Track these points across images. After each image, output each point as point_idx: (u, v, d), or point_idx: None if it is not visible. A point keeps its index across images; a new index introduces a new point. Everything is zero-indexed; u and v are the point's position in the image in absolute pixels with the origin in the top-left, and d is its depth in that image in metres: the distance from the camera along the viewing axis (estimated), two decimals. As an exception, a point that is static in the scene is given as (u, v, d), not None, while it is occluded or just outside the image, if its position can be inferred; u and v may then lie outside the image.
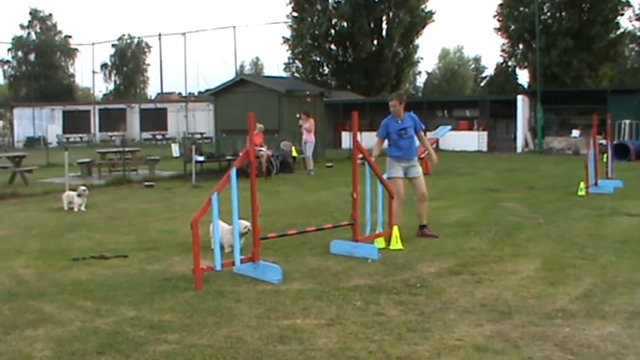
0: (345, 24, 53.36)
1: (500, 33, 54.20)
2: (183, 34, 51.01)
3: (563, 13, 49.85)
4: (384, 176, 9.19)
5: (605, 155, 16.82)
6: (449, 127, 24.20)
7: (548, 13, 50.69)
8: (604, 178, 15.74)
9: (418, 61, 63.08)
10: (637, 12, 50.94)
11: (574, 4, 48.94)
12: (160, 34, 53.47)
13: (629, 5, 50.98)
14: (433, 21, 56.91)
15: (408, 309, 5.87)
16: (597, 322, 5.38)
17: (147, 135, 47.60)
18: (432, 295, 6.32)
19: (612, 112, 26.98)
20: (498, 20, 53.45)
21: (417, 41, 57.66)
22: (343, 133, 36.80)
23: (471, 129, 36.66)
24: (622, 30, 52.49)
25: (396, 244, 8.60)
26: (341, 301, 6.15)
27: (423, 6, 55.87)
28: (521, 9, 50.82)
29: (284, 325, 5.48)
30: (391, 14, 54.20)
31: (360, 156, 8.38)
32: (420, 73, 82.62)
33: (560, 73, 47.94)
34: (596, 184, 14.88)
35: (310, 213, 12.03)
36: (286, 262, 7.70)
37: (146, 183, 17.44)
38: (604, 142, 18.26)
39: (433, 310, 5.84)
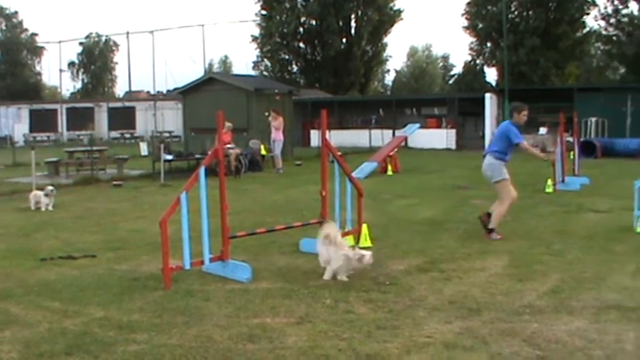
0: (314, 22, 53.40)
1: (468, 31, 54.58)
2: (152, 32, 50.75)
3: (530, 12, 50.30)
4: (499, 178, 9.26)
5: (571, 153, 17.02)
6: (417, 125, 24.24)
7: (516, 12, 51.14)
8: (571, 175, 15.93)
9: (387, 60, 63.40)
10: (602, 11, 51.55)
11: (541, 3, 49.42)
12: (127, 33, 53.04)
13: (595, 5, 51.59)
14: (402, 19, 57.25)
15: (377, 307, 5.89)
16: (565, 318, 5.44)
17: (115, 134, 47.16)
18: (401, 292, 6.34)
19: (579, 110, 27.26)
20: (466, 19, 53.80)
21: (386, 39, 58.04)
22: (312, 132, 36.79)
23: (439, 127, 36.85)
24: (588, 29, 53.13)
25: (365, 242, 8.61)
26: (310, 300, 6.14)
27: (392, 4, 56.14)
28: (489, 8, 51.20)
29: (253, 323, 5.46)
30: (360, 12, 54.37)
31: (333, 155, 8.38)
32: (388, 71, 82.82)
33: (528, 72, 48.42)
34: (563, 181, 15.06)
35: (279, 211, 12.00)
36: (255, 261, 7.67)
37: (114, 182, 17.27)
38: (571, 139, 18.48)
39: (402, 307, 5.86)
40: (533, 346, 4.79)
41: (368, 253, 6.93)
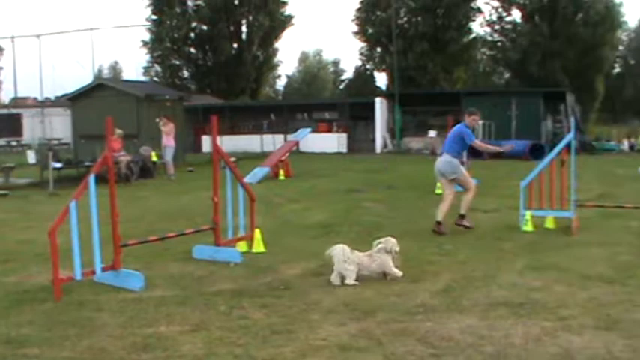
0: (205, 27, 53.03)
1: (358, 37, 55.43)
2: (38, 36, 48.83)
3: (419, 18, 51.57)
4: (460, 174, 10.33)
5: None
6: (309, 129, 24.43)
7: (405, 18, 52.32)
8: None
9: (278, 65, 63.79)
10: (487, 18, 53.48)
11: (429, 9, 50.76)
12: (12, 37, 50.95)
13: (481, 12, 53.49)
14: (292, 25, 57.76)
15: (272, 311, 5.88)
16: (456, 316, 5.59)
17: (1, 142, 45.20)
18: (296, 296, 6.36)
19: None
20: (357, 24, 54.65)
21: (277, 45, 58.38)
22: (203, 137, 36.51)
23: (330, 131, 37.22)
24: (474, 35, 55.00)
25: (259, 247, 8.60)
26: (204, 307, 6.07)
27: (283, 10, 56.44)
28: (379, 13, 52.18)
29: (147, 332, 5.35)
30: (251, 18, 54.45)
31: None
32: (279, 76, 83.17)
33: (417, 76, 49.61)
34: (452, 183, 15.46)
35: (171, 218, 11.82)
36: (148, 269, 7.51)
37: (0, 192, 16.59)
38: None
39: (297, 311, 5.87)
40: (427, 345, 4.90)
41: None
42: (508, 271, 7.20)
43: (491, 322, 5.42)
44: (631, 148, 37.83)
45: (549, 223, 10.05)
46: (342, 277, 6.79)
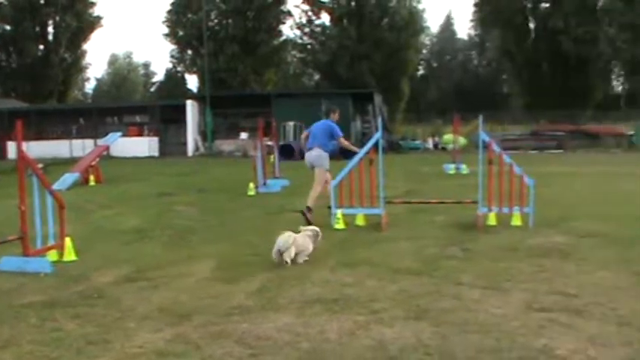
0: (8, 27, 50.22)
1: (169, 39, 54.79)
2: None
3: (230, 20, 51.78)
4: (326, 167, 11.14)
5: (272, 156, 17.76)
6: (119, 133, 23.83)
7: (216, 20, 52.37)
8: (272, 177, 16.61)
9: (87, 67, 61.98)
10: (297, 21, 54.60)
11: (240, 11, 51.09)
12: None
13: (290, 15, 54.56)
14: (102, 26, 56.25)
15: (85, 321, 5.65)
16: (272, 315, 5.64)
17: None
18: (110, 304, 6.15)
19: (277, 114, 28.59)
20: (167, 26, 53.98)
21: (85, 46, 56.66)
22: (9, 143, 34.59)
23: (141, 135, 36.54)
24: (285, 38, 55.98)
25: (70, 255, 8.24)
26: (14, 320, 5.72)
27: (91, 10, 54.78)
28: (190, 15, 51.89)
29: (-59, 353, 4.96)
30: (58, 18, 52.23)
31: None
32: (88, 79, 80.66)
33: (228, 78, 49.79)
34: (264, 183, 15.66)
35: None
36: (-60, 284, 6.97)
37: None
38: (270, 143, 19.28)
39: (112, 320, 5.68)
40: (245, 346, 4.90)
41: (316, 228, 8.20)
42: (321, 268, 7.36)
43: (306, 319, 5.51)
44: (435, 146, 40.05)
45: (360, 220, 10.39)
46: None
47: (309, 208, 10.83)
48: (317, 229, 8.21)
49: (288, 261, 7.47)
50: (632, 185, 16.07)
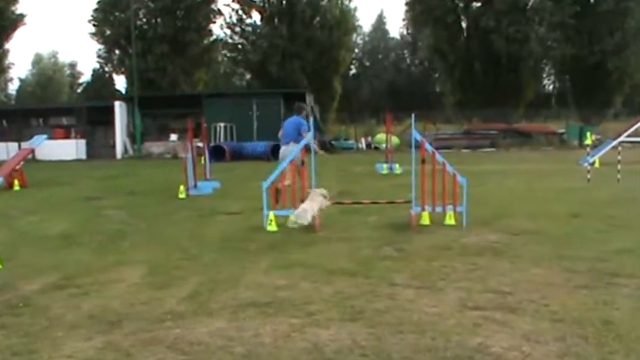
0: None
1: (96, 38, 53.86)
2: None
3: (159, 19, 51.21)
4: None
5: (202, 158, 17.66)
6: (44, 136, 23.34)
7: (144, 19, 51.74)
8: (203, 180, 16.52)
9: (9, 67, 60.31)
10: (228, 20, 54.34)
11: (169, 10, 50.60)
12: None
13: (221, 14, 54.27)
14: (25, 24, 54.68)
15: (11, 332, 5.51)
16: (205, 320, 5.61)
17: None
18: (37, 313, 6.01)
19: (207, 115, 28.40)
20: (94, 25, 53.06)
21: (8, 45, 55.10)
22: None
23: (68, 137, 35.91)
24: (215, 37, 55.65)
25: (-7, 263, 8.06)
26: None
27: (13, 8, 53.26)
28: (117, 14, 51.14)
29: None
30: (-23, 16, 50.82)
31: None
32: (12, 79, 78.57)
33: (157, 78, 49.26)
34: (195, 186, 15.56)
35: None
36: None
37: None
38: (201, 144, 19.17)
39: (39, 329, 5.56)
40: (177, 352, 4.86)
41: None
42: (254, 271, 7.35)
43: (240, 323, 5.50)
44: (368, 146, 40.35)
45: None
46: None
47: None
48: (324, 191, 10.19)
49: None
50: (564, 182, 16.55)
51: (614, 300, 5.83)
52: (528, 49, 49.75)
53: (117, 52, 54.03)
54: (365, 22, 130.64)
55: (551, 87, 74.05)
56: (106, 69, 59.12)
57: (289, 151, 11.47)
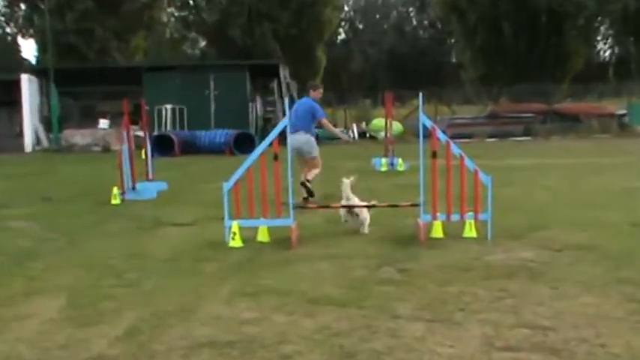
0: None
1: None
2: None
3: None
4: (316, 154, 12.99)
5: (143, 151, 17.58)
6: None
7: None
8: (144, 180, 16.45)
9: None
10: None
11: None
12: None
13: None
14: None
15: None
16: (146, 366, 5.59)
17: None
18: None
19: (149, 94, 28.38)
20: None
21: None
22: None
23: (-44, 123, 35.74)
24: (158, -11, 55.42)
25: None
26: None
27: None
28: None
29: None
30: None
31: None
32: None
33: (81, 45, 48.92)
34: (134, 188, 15.49)
35: None
36: None
37: None
38: (141, 133, 19.07)
39: None
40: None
41: None
42: (212, 300, 7.33)
43: (194, 368, 5.48)
44: (362, 134, 39.92)
45: (263, 235, 10.38)
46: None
47: (308, 180, 12.76)
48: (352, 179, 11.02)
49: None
50: (623, 181, 16.56)
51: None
52: (577, 3, 49.53)
53: (22, 6, 53.66)
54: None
55: (607, 53, 74.00)
56: (8, 30, 58.87)
57: (302, 142, 12.40)
